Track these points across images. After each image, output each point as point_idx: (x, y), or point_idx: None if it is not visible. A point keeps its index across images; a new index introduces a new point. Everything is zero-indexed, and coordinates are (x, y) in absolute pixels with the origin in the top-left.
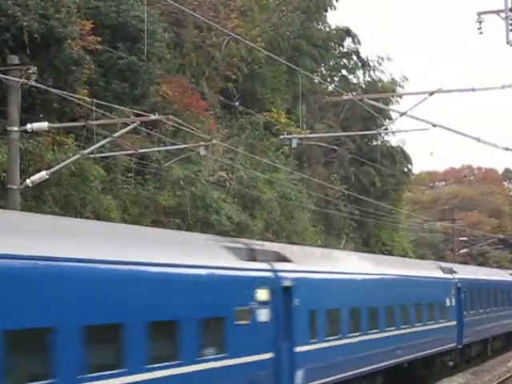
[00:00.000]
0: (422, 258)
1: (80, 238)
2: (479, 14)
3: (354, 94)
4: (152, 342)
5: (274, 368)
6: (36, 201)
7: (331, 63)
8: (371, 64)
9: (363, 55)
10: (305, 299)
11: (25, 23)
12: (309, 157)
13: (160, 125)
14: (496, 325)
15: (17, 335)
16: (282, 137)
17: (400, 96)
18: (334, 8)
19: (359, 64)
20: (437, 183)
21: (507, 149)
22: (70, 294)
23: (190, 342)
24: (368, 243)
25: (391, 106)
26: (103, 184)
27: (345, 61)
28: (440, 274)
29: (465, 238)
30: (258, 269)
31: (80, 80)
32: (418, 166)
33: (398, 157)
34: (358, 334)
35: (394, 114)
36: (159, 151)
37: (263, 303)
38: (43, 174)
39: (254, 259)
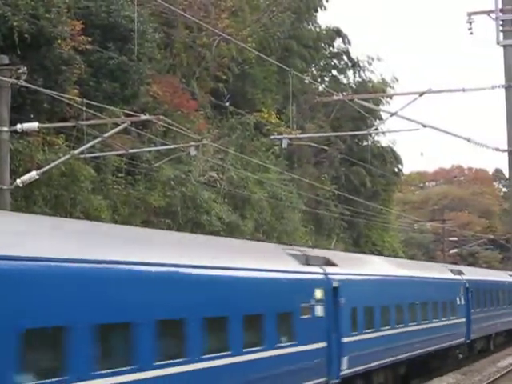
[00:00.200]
0: (412, 258)
1: (166, 248)
2: (470, 14)
3: (344, 94)
4: (247, 332)
5: (327, 355)
6: (26, 201)
7: (321, 63)
8: (361, 64)
9: (353, 55)
10: (348, 298)
11: (15, 23)
12: (299, 157)
13: (150, 125)
14: (498, 322)
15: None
16: (272, 137)
17: (390, 96)
18: (325, 8)
19: (349, 64)
20: (427, 183)
21: (497, 149)
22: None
23: (271, 331)
24: (358, 243)
25: (381, 107)
26: (93, 184)
27: (335, 61)
28: (451, 276)
29: (455, 239)
30: (314, 272)
31: (70, 80)
32: (408, 167)
33: (388, 157)
34: (387, 328)
35: (384, 115)
36: (149, 151)
37: (319, 301)
38: (33, 174)
39: (309, 264)
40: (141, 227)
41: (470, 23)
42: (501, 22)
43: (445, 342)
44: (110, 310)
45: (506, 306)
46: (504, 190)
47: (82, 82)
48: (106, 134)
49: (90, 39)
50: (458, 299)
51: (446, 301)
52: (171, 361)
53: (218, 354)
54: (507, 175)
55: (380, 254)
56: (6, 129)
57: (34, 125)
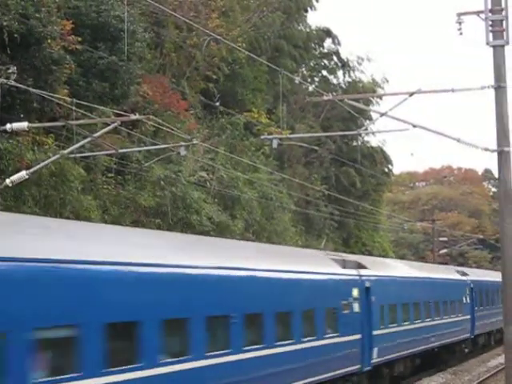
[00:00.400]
0: (402, 258)
1: (244, 255)
2: (459, 14)
3: (334, 94)
4: (304, 324)
5: (361, 345)
6: (16, 201)
7: (311, 64)
8: (351, 65)
9: (343, 56)
10: (377, 296)
11: (5, 23)
12: (289, 157)
13: (140, 125)
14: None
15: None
16: (262, 137)
17: (380, 97)
18: (315, 8)
19: (339, 65)
20: (417, 184)
21: (487, 149)
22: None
23: (321, 324)
24: (348, 243)
25: (371, 107)
26: (83, 184)
27: (325, 61)
28: (458, 277)
29: (445, 239)
30: (351, 274)
31: (60, 80)
32: (398, 167)
33: (378, 157)
34: (407, 323)
35: (374, 115)
36: (139, 151)
37: (356, 299)
38: (23, 174)
39: (345, 267)
40: (200, 236)
41: (460, 23)
42: (490, 23)
43: (453, 336)
44: (174, 308)
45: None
46: (493, 190)
47: (72, 81)
48: (96, 134)
49: (79, 39)
50: (464, 298)
51: (454, 300)
52: (250, 347)
53: (286, 342)
54: (497, 175)
55: (370, 254)
56: None
57: (24, 124)
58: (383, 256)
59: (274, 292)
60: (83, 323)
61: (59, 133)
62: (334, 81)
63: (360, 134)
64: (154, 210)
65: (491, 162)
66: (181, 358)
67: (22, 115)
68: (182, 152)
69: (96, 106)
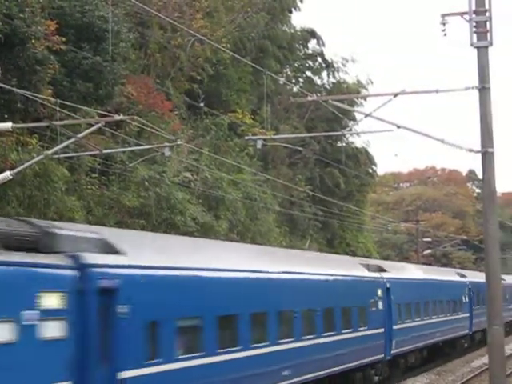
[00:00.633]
0: (386, 258)
1: (291, 261)
2: (443, 15)
3: (318, 95)
4: (343, 319)
5: (384, 338)
6: None
7: (296, 64)
8: (336, 65)
9: (328, 57)
10: (395, 296)
11: None
12: (273, 158)
13: (124, 125)
14: (503, 315)
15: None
16: (246, 138)
17: (364, 97)
18: (299, 9)
19: (324, 65)
20: (401, 184)
21: (471, 150)
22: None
23: (356, 319)
24: (332, 244)
25: (356, 108)
26: (67, 185)
27: (309, 62)
28: (458, 278)
29: (429, 239)
30: (376, 277)
31: (44, 80)
32: (382, 167)
33: (362, 158)
34: (419, 319)
35: (358, 116)
36: (124, 152)
37: (380, 298)
38: (7, 175)
39: (370, 270)
40: (251, 244)
41: (444, 24)
42: (474, 24)
43: (455, 332)
44: (257, 304)
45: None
46: (477, 190)
47: (56, 82)
48: (80, 135)
49: (64, 39)
50: (463, 298)
51: (455, 299)
52: (309, 336)
53: (332, 333)
54: (480, 176)
55: (354, 254)
56: None
57: (8, 125)
58: (367, 256)
59: (322, 292)
60: (204, 316)
61: (43, 133)
62: (319, 82)
63: (344, 135)
64: (138, 211)
65: (475, 163)
66: (262, 344)
67: (5, 115)
68: (167, 153)
69: (80, 106)
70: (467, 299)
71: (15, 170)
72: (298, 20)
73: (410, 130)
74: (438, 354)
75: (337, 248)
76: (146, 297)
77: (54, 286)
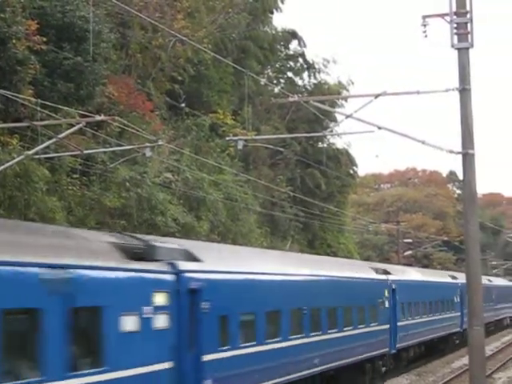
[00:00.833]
0: (367, 259)
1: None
2: (424, 17)
3: (299, 96)
4: (359, 315)
5: (389, 333)
6: None
7: (277, 65)
8: (317, 66)
9: (309, 58)
10: (400, 295)
11: None
12: (255, 158)
13: (105, 126)
14: (488, 315)
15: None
16: (227, 138)
17: (346, 98)
18: (280, 10)
19: (305, 66)
20: (382, 185)
21: (451, 151)
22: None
23: (368, 316)
24: (313, 245)
25: (337, 109)
26: (48, 185)
27: (291, 63)
28: (450, 280)
29: (409, 240)
30: (383, 278)
31: (25, 80)
32: (363, 169)
33: (343, 159)
34: (418, 317)
35: (339, 117)
36: (105, 152)
37: (386, 297)
38: None
39: (377, 273)
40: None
41: (425, 26)
42: (455, 25)
43: (448, 329)
44: (295, 302)
45: (494, 303)
46: (458, 191)
47: (37, 82)
48: (61, 135)
49: (45, 39)
50: (455, 298)
51: (448, 299)
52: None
53: (349, 328)
54: (461, 177)
55: (335, 255)
56: None
57: None
58: (348, 257)
59: (342, 292)
60: (256, 311)
61: (24, 133)
62: (300, 82)
63: (325, 136)
64: (119, 211)
65: (456, 164)
66: (299, 336)
67: None
68: (148, 153)
69: (61, 106)
70: (458, 299)
71: None
72: (280, 21)
73: (391, 131)
74: (433, 349)
75: (318, 249)
76: (219, 296)
77: (161, 287)
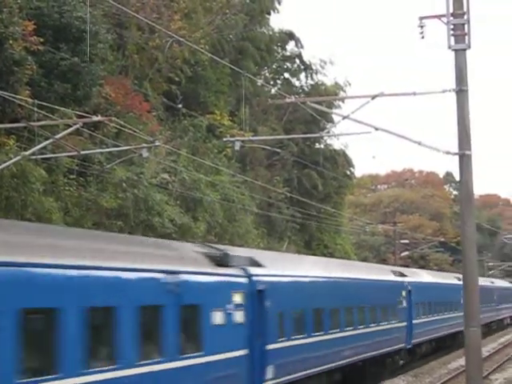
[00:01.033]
0: (364, 260)
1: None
2: (421, 18)
3: (296, 97)
4: (382, 313)
5: (406, 329)
6: None
7: (274, 66)
8: (314, 67)
9: (306, 59)
10: (415, 296)
11: None
12: (252, 159)
13: (102, 126)
14: (490, 315)
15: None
16: (224, 139)
17: (342, 99)
18: (277, 11)
19: (302, 67)
20: (378, 186)
21: (448, 152)
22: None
23: (391, 314)
24: (310, 246)
25: (334, 110)
26: (45, 186)
27: (288, 64)
28: (456, 282)
29: (406, 241)
30: (402, 280)
31: (22, 81)
32: (360, 169)
33: (340, 160)
34: (431, 315)
35: (336, 118)
36: (101, 153)
37: (404, 297)
38: None
39: (396, 275)
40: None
41: (422, 27)
42: (452, 27)
43: (455, 327)
44: (333, 301)
45: (497, 303)
46: (454, 192)
47: (34, 82)
48: (58, 136)
49: (41, 40)
50: (461, 298)
51: (454, 299)
52: (359, 326)
53: (375, 324)
54: (458, 178)
55: (332, 256)
56: None
57: None
58: (345, 258)
59: (370, 293)
60: (305, 309)
61: (21, 134)
62: (297, 83)
63: (322, 137)
64: (115, 212)
65: (452, 165)
66: (336, 330)
67: None
68: (144, 154)
69: (58, 107)
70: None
71: None
72: (277, 22)
73: (388, 132)
74: (443, 345)
75: (314, 250)
76: (277, 295)
77: (238, 288)
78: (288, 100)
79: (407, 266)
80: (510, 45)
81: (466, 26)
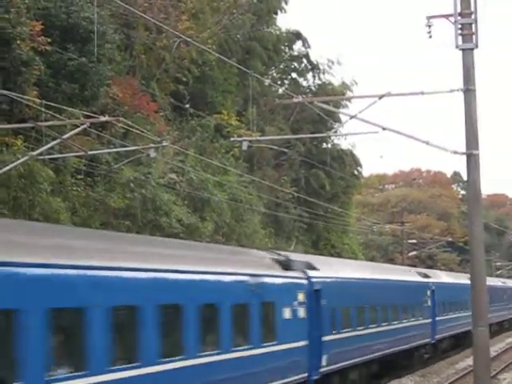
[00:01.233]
0: (371, 260)
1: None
2: (429, 18)
3: (304, 96)
4: (405, 311)
5: (431, 326)
6: None
7: (281, 66)
8: (321, 67)
9: (313, 58)
10: (438, 295)
11: None
12: (259, 159)
13: (110, 126)
14: (502, 313)
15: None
16: (232, 139)
17: (350, 99)
18: (284, 11)
19: (309, 67)
20: (386, 186)
21: (456, 152)
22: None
23: (417, 311)
24: (317, 246)
25: (341, 109)
26: (52, 186)
27: (295, 64)
28: (468, 281)
29: (414, 241)
30: (426, 281)
31: (29, 81)
32: (367, 169)
33: (347, 160)
34: (452, 313)
35: (343, 117)
36: (109, 153)
37: (428, 297)
38: None
39: (420, 276)
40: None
41: (429, 27)
42: (459, 26)
43: (469, 325)
44: (372, 299)
45: (500, 303)
46: (462, 192)
47: (42, 83)
48: (65, 136)
49: (49, 40)
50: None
51: (466, 299)
52: (379, 324)
53: (406, 320)
54: (465, 178)
55: (339, 256)
56: None
57: None
58: (352, 258)
59: (401, 292)
60: (351, 305)
61: (28, 134)
62: (304, 83)
63: (329, 137)
64: (123, 212)
65: (460, 165)
66: (375, 325)
67: None
68: (152, 154)
69: (65, 107)
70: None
71: (0, 171)
72: (284, 22)
73: (396, 131)
74: (460, 342)
75: (322, 250)
76: (330, 294)
77: (301, 288)
78: (295, 100)
79: (415, 266)
80: None
81: (473, 26)
